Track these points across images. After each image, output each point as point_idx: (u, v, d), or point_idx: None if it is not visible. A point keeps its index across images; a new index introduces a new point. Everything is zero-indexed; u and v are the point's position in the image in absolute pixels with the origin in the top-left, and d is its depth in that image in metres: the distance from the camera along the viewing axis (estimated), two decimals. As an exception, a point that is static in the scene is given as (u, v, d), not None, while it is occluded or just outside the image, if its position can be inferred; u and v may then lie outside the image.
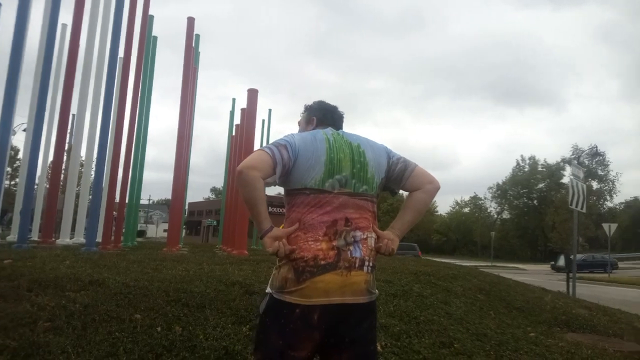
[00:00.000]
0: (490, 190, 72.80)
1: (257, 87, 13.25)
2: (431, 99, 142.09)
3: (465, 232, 69.97)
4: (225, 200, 19.19)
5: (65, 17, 14.82)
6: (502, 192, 71.83)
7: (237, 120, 19.46)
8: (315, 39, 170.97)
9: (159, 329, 3.36)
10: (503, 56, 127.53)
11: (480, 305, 6.43)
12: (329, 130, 1.90)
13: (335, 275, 1.65)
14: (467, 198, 76.78)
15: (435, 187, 1.93)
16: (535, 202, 69.46)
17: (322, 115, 2.04)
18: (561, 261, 24.82)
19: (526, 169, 70.40)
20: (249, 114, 13.44)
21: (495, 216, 75.27)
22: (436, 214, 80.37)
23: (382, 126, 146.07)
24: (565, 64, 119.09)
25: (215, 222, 47.82)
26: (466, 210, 76.36)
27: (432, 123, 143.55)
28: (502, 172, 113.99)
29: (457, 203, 77.48)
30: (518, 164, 71.15)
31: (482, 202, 74.75)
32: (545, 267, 39.46)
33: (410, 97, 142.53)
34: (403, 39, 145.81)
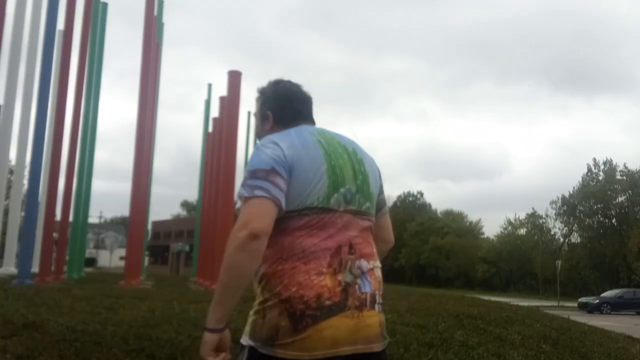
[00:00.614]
0: (554, 206, 72.48)
1: (240, 68, 13.31)
2: (468, 85, 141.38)
3: (521, 260, 69.57)
4: (201, 218, 19.28)
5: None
6: (569, 207, 71.38)
7: (214, 112, 19.65)
8: (314, 7, 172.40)
9: (116, 388, 3.37)
10: (564, 28, 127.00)
11: (545, 359, 6.40)
12: (315, 130, 1.85)
13: (346, 319, 1.61)
14: (522, 216, 76.50)
15: (387, 249, 2.05)
16: (614, 220, 69.11)
17: (281, 108, 1.94)
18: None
19: (600, 177, 70.05)
20: (230, 103, 13.55)
21: (562, 240, 74.95)
22: (482, 237, 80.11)
23: (406, 120, 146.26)
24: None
25: (187, 247, 47.92)
26: (522, 231, 76.01)
27: (471, 116, 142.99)
28: (569, 181, 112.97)
29: (509, 222, 77.20)
30: (590, 170, 70.74)
31: (544, 221, 74.42)
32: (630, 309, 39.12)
33: (441, 82, 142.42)
34: (430, 5, 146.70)
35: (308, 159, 1.68)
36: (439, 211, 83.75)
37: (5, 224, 16.17)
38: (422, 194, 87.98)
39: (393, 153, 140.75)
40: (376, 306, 1.71)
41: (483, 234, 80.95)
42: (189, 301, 7.10)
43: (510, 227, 77.33)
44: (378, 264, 1.81)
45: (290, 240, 1.65)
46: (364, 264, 1.71)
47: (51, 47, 12.01)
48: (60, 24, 13.13)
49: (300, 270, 1.61)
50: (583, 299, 32.14)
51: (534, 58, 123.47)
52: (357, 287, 1.66)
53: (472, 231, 79.96)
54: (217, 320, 1.58)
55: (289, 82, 2.01)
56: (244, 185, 1.63)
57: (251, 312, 1.70)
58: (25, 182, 15.53)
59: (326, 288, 1.60)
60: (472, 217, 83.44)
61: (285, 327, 1.57)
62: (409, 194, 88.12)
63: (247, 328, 1.68)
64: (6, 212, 17.31)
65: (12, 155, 16.72)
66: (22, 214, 16.13)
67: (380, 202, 1.94)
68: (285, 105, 1.93)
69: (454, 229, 75.96)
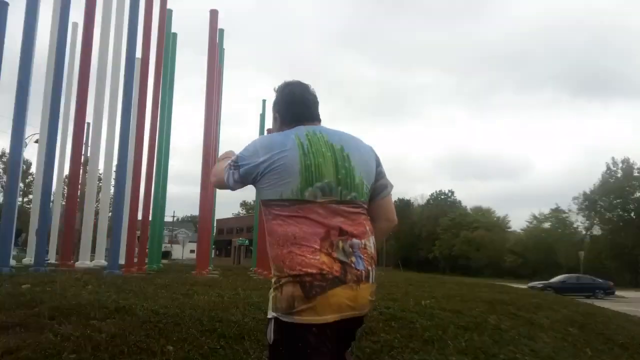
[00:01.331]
0: (576, 201, 69.88)
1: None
2: (492, 93, 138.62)
3: (546, 251, 67.35)
4: (259, 216, 19.44)
5: (76, 14, 15.64)
6: (590, 203, 68.74)
7: (268, 124, 19.85)
8: (351, 30, 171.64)
9: (194, 362, 3.46)
10: (580, 39, 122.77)
11: (572, 341, 6.17)
12: (303, 131, 1.89)
13: (347, 290, 1.73)
14: (546, 211, 74.02)
15: (391, 226, 2.08)
16: (632, 214, 66.16)
17: (285, 111, 2.01)
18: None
19: (619, 175, 67.28)
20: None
21: (584, 232, 72.14)
22: (509, 230, 78.02)
23: (436, 126, 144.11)
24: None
25: (247, 242, 48.56)
26: (546, 225, 73.58)
27: (495, 121, 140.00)
28: (589, 178, 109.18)
29: (534, 217, 74.85)
30: (608, 168, 68.02)
31: (567, 215, 71.85)
32: (651, 295, 37.31)
33: (467, 91, 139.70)
34: (454, 25, 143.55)
35: (283, 161, 1.77)
36: (468, 207, 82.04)
37: (95, 224, 16.77)
38: (452, 192, 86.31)
39: (425, 156, 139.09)
40: (370, 279, 1.82)
41: (510, 227, 78.95)
42: (252, 288, 7.20)
43: (535, 222, 75.20)
44: (370, 241, 1.87)
45: (282, 229, 1.77)
46: (355, 242, 1.79)
47: (131, 72, 12.43)
48: (138, 53, 13.56)
49: (296, 254, 1.72)
50: (531, 284, 30.82)
51: (553, 67, 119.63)
52: (352, 265, 1.76)
53: (499, 225, 78.04)
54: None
55: (296, 84, 2.03)
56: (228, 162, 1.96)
57: (270, 291, 1.82)
58: (112, 187, 16.08)
59: (325, 264, 1.71)
60: (500, 212, 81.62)
61: (299, 296, 1.68)
62: (440, 192, 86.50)
63: (270, 304, 1.80)
64: (96, 213, 18.00)
65: (101, 165, 17.34)
66: (110, 214, 16.75)
67: (379, 187, 1.98)
68: (289, 109, 1.99)
69: (483, 224, 74.33)
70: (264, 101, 23.03)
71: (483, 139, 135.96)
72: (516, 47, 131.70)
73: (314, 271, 1.70)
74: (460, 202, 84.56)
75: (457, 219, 75.08)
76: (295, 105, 1.99)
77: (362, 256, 1.81)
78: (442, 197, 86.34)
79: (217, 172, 2.05)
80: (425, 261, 74.11)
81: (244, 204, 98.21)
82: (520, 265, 68.50)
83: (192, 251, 63.69)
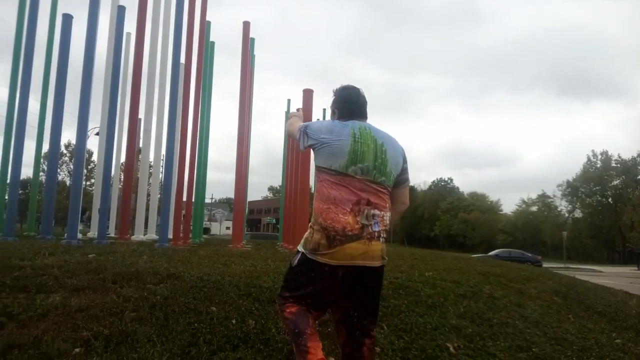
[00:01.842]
0: (560, 188, 68.61)
1: (309, 86, 13.32)
2: (487, 94, 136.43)
3: (533, 231, 66.41)
4: (285, 199, 19.54)
5: (129, 26, 15.74)
6: (572, 189, 67.46)
7: (294, 119, 19.83)
8: (361, 38, 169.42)
9: (233, 321, 3.51)
10: (564, 46, 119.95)
11: (557, 309, 6.11)
12: (357, 125, 2.18)
13: (360, 244, 2.02)
14: (534, 196, 72.75)
15: (404, 208, 2.40)
16: (610, 200, 64.69)
17: (342, 108, 2.29)
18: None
19: (598, 165, 65.77)
20: (305, 114, 13.62)
21: (567, 215, 70.81)
22: (500, 212, 76.98)
23: (436, 123, 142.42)
24: (635, 52, 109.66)
25: (274, 220, 48.94)
26: (534, 208, 72.37)
27: (490, 119, 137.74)
28: (571, 168, 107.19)
29: (523, 202, 73.65)
30: (589, 159, 66.62)
31: (552, 200, 70.56)
32: (626, 270, 36.57)
33: (464, 92, 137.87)
34: (451, 32, 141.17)
35: (338, 143, 2.09)
36: (465, 193, 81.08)
37: (147, 203, 17.03)
38: (451, 180, 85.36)
39: (426, 148, 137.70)
40: (381, 239, 2.09)
41: (502, 210, 77.99)
42: (279, 260, 7.27)
43: (524, 205, 74.17)
44: (387, 214, 2.16)
45: (326, 191, 2.09)
46: (377, 212, 2.08)
47: (176, 75, 12.50)
48: (182, 59, 13.61)
49: (332, 211, 2.04)
50: (474, 256, 30.43)
51: (540, 71, 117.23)
52: (370, 227, 2.05)
53: (492, 208, 77.14)
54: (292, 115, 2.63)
55: (351, 88, 2.34)
56: (305, 124, 2.30)
57: (306, 232, 2.17)
58: (161, 173, 16.28)
59: (348, 224, 2.02)
60: (493, 197, 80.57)
61: (323, 244, 2.03)
62: (441, 180, 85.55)
63: (302, 241, 2.16)
64: (148, 195, 18.28)
65: (151, 154, 17.57)
66: (159, 196, 17.00)
67: (402, 179, 2.28)
68: (346, 106, 2.28)
69: (478, 207, 73.52)
70: (288, 100, 22.96)
71: (478, 134, 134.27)
72: (508, 52, 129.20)
73: (339, 227, 2.01)
74: (458, 188, 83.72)
75: (455, 203, 74.40)
76: (351, 104, 2.28)
77: (379, 223, 2.09)
78: (442, 183, 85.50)
79: (292, 129, 2.40)
80: (427, 239, 73.71)
81: (271, 188, 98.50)
82: (510, 243, 67.65)
83: (227, 228, 64.36)
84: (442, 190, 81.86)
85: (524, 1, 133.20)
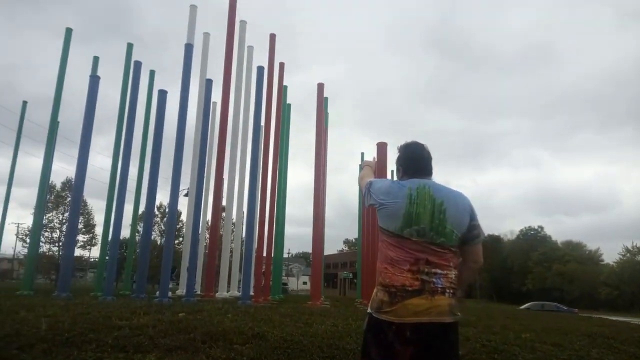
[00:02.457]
0: (672, 233, 60.53)
1: (381, 138, 13.48)
2: (573, 135, 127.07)
3: (643, 284, 58.59)
4: (362, 252, 19.31)
5: (215, 95, 17.24)
6: (689, 234, 59.22)
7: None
8: (435, 87, 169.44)
9: (318, 386, 3.44)
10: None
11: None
12: (416, 184, 2.15)
13: (422, 300, 1.97)
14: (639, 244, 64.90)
15: (477, 267, 2.27)
16: None
17: (406, 166, 2.29)
18: None
19: None
20: (379, 166, 13.68)
21: (685, 264, 61.90)
22: (601, 262, 69.30)
23: (520, 167, 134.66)
24: None
25: (350, 275, 48.11)
26: (641, 257, 64.31)
27: (579, 160, 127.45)
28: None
29: (627, 250, 65.91)
30: None
31: (663, 247, 62.34)
32: None
33: (547, 134, 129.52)
34: (528, 74, 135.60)
35: (393, 206, 2.10)
36: (559, 242, 74.36)
37: (230, 261, 17.69)
38: (542, 228, 78.78)
39: (511, 195, 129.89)
40: (446, 293, 2.01)
41: (603, 260, 70.03)
42: (360, 318, 7.06)
43: (628, 254, 66.16)
44: (452, 272, 2.07)
45: (385, 250, 2.10)
46: (438, 271, 2.03)
47: (257, 137, 13.32)
48: (262, 121, 14.54)
49: (389, 270, 2.04)
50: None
51: (629, 104, 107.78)
52: (432, 283, 1.99)
53: (592, 258, 69.56)
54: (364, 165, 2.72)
55: (415, 144, 2.34)
56: (372, 181, 2.31)
57: (373, 293, 2.15)
58: (243, 230, 16.95)
59: (408, 280, 1.99)
60: (591, 246, 72.88)
61: (386, 301, 2.01)
62: (529, 228, 79.46)
63: (370, 302, 2.12)
64: (231, 252, 19.04)
65: (234, 212, 18.43)
66: (240, 252, 17.56)
67: (472, 236, 2.17)
68: (410, 164, 2.28)
69: (575, 257, 66.79)
70: (362, 154, 23.30)
71: (568, 177, 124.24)
72: (591, 88, 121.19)
73: (398, 285, 2.00)
74: (550, 236, 77.02)
75: (548, 253, 68.41)
76: (415, 162, 2.28)
77: (442, 278, 2.02)
78: (532, 232, 79.32)
79: (362, 183, 2.46)
80: (518, 293, 67.80)
81: (346, 242, 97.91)
82: (616, 297, 60.27)
83: (304, 283, 64.39)
84: (532, 239, 75.83)
85: (601, 36, 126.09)
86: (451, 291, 2.04)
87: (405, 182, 2.19)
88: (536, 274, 66.35)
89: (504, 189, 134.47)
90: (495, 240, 76.22)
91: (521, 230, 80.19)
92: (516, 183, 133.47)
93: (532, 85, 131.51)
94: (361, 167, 2.76)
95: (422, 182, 2.18)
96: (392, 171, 22.84)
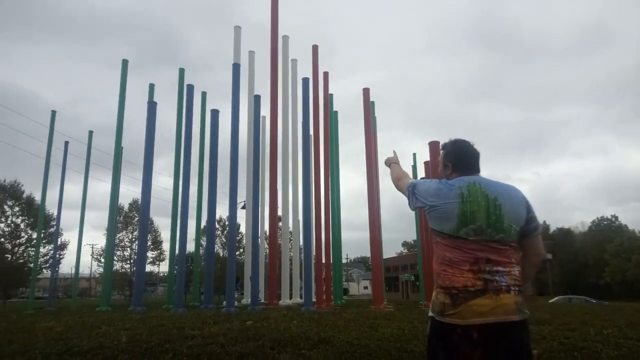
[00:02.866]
0: None
1: (432, 138, 13.19)
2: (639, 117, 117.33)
3: None
4: (422, 254, 18.92)
5: (264, 109, 17.69)
6: None
7: (420, 173, 19.59)
8: (484, 81, 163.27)
9: (389, 389, 3.42)
10: None
11: None
12: (466, 182, 2.08)
13: (486, 299, 1.90)
14: None
15: (539, 259, 2.21)
16: None
17: (456, 161, 2.20)
18: None
19: None
20: (433, 166, 13.40)
21: None
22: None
23: (586, 155, 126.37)
24: None
25: (412, 277, 47.28)
26: None
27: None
28: None
29: None
30: None
31: None
32: None
33: (612, 119, 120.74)
34: (587, 57, 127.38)
35: (445, 207, 2.03)
36: (637, 231, 68.75)
37: (291, 269, 17.97)
38: (616, 217, 73.24)
39: (577, 185, 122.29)
40: (511, 291, 1.94)
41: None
42: (426, 321, 6.92)
43: None
44: (515, 269, 2.00)
45: (441, 252, 2.03)
46: (500, 269, 1.96)
47: (307, 146, 13.50)
48: (311, 131, 14.73)
49: (448, 272, 1.97)
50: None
51: None
52: (495, 281, 1.93)
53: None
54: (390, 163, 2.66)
55: (463, 141, 2.27)
56: (416, 181, 2.27)
57: (432, 295, 2.08)
58: (300, 239, 17.19)
59: (469, 281, 1.92)
60: (673, 233, 66.68)
61: (448, 303, 1.94)
62: (602, 219, 74.16)
63: (431, 305, 2.06)
64: (290, 260, 19.35)
65: (290, 221, 18.74)
66: (299, 260, 17.78)
67: (530, 229, 2.10)
68: (460, 159, 2.20)
69: (657, 246, 61.39)
70: (414, 154, 22.92)
71: (639, 162, 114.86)
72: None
73: (460, 286, 1.94)
74: (625, 225, 71.52)
75: (625, 244, 63.41)
76: (465, 157, 2.21)
77: (505, 276, 1.96)
78: (605, 223, 74.04)
79: (400, 184, 2.40)
80: (595, 288, 63.37)
81: (405, 244, 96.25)
82: None
83: (365, 287, 63.89)
84: (607, 230, 70.60)
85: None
86: (516, 288, 1.97)
87: (453, 182, 2.12)
88: (614, 266, 61.72)
89: (569, 179, 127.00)
90: (565, 233, 71.93)
91: (593, 222, 75.06)
92: (582, 173, 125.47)
93: (591, 69, 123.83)
94: (387, 164, 2.69)
95: (471, 179, 2.11)
96: (425, 179, 22.23)
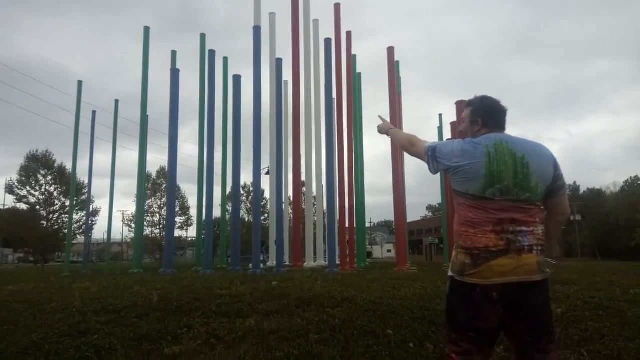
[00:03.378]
0: None
1: (460, 98, 12.83)
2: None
3: None
4: (447, 216, 18.85)
5: (286, 74, 17.48)
6: None
7: (446, 135, 19.24)
8: (514, 38, 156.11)
9: (411, 344, 3.49)
10: None
11: None
12: (492, 140, 2.02)
13: (508, 259, 1.89)
14: None
15: (565, 218, 2.17)
16: None
17: (487, 117, 2.13)
18: None
19: None
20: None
21: None
22: None
23: (621, 113, 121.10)
24: None
25: (436, 240, 47.41)
26: None
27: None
28: None
29: None
30: None
31: None
32: None
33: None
34: (624, 9, 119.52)
35: (471, 167, 1.97)
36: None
37: (315, 233, 18.22)
38: (650, 177, 70.80)
39: (611, 144, 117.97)
40: (534, 251, 1.93)
41: None
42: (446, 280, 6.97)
43: None
44: (539, 228, 1.98)
45: (464, 213, 2.00)
46: (524, 228, 1.94)
47: (330, 110, 13.38)
48: (334, 94, 14.54)
49: (470, 232, 1.95)
50: None
51: None
52: (517, 241, 1.91)
53: None
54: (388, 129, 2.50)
55: (491, 98, 2.20)
56: (435, 143, 2.16)
57: (452, 256, 2.06)
58: (324, 203, 17.32)
59: (491, 241, 1.90)
60: None
61: (469, 263, 1.93)
62: (636, 178, 71.80)
63: (450, 264, 2.04)
64: (314, 224, 19.62)
65: (314, 186, 18.85)
66: (324, 224, 18.01)
67: (557, 187, 2.07)
68: (491, 115, 2.13)
69: (693, 207, 59.21)
70: (440, 115, 22.47)
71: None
72: None
73: (481, 246, 1.92)
74: (660, 186, 69.06)
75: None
76: (496, 113, 2.15)
77: (528, 236, 1.94)
78: (638, 183, 71.69)
79: (415, 150, 2.27)
80: (626, 250, 62.10)
81: (430, 207, 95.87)
82: None
83: (388, 251, 64.42)
84: (639, 190, 68.61)
85: None
86: (539, 248, 1.95)
87: (478, 140, 2.05)
88: (643, 231, 60.09)
89: (603, 138, 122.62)
90: (596, 194, 70.12)
91: (626, 182, 72.78)
92: (617, 131, 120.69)
93: (630, 21, 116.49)
94: (384, 132, 2.54)
95: (497, 137, 2.04)
96: (447, 140, 21.78)
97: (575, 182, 64.67)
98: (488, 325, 1.94)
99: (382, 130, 2.58)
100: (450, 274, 2.04)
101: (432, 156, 2.12)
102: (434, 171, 2.14)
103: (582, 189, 68.34)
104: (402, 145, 2.38)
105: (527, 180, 1.96)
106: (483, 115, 2.14)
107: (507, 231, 1.91)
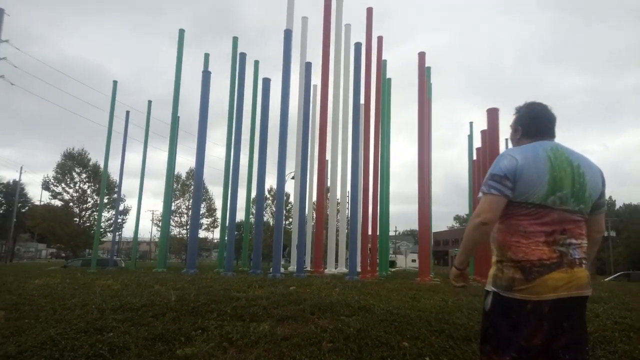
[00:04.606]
0: None
1: (491, 105, 12.52)
2: None
3: None
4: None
5: (315, 78, 17.54)
6: None
7: (476, 143, 18.84)
8: (552, 45, 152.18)
9: (427, 359, 3.37)
10: None
11: None
12: (549, 147, 1.93)
13: (562, 273, 1.81)
14: None
15: (600, 237, 2.10)
16: None
17: (528, 125, 2.04)
18: None
19: None
20: (490, 134, 12.81)
21: None
22: None
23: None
24: None
25: (462, 252, 46.51)
26: None
27: None
28: None
29: None
30: None
31: None
32: None
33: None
34: None
35: (535, 170, 1.84)
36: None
37: (337, 239, 18.12)
38: (691, 194, 67.46)
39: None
40: (584, 265, 1.88)
41: None
42: (473, 295, 6.76)
43: None
44: (584, 242, 1.92)
45: (515, 222, 1.87)
46: (573, 241, 1.87)
47: (357, 116, 13.30)
48: (362, 99, 14.45)
49: (522, 243, 1.83)
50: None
51: None
52: (569, 254, 1.84)
53: None
54: (460, 262, 2.02)
55: (539, 104, 2.07)
56: (485, 183, 1.88)
57: (491, 270, 1.94)
58: (347, 209, 17.22)
59: (545, 254, 1.81)
60: None
61: (519, 278, 1.81)
62: (676, 195, 68.59)
63: (490, 280, 1.93)
64: (337, 230, 19.50)
65: (338, 192, 18.77)
66: (347, 230, 17.90)
67: (599, 204, 1.99)
68: (533, 123, 2.03)
69: None
70: (470, 123, 22.01)
71: None
72: None
73: (534, 259, 1.81)
74: (699, 203, 65.59)
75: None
76: (540, 121, 2.04)
77: (577, 249, 1.88)
78: (678, 199, 68.30)
79: (491, 215, 1.87)
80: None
81: (457, 218, 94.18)
82: None
83: (413, 260, 63.49)
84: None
85: None
86: (586, 262, 1.90)
87: (535, 145, 1.92)
88: (689, 248, 57.19)
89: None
90: (632, 210, 67.34)
91: (665, 198, 69.57)
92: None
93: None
94: (458, 269, 2.06)
95: (551, 143, 1.95)
96: (506, 139, 21.23)
97: (610, 197, 62.27)
98: (533, 344, 1.83)
99: (454, 273, 2.09)
100: (492, 289, 1.91)
101: (495, 181, 1.85)
102: (509, 195, 1.85)
103: (618, 204, 65.66)
104: (471, 239, 1.92)
105: (582, 190, 1.89)
106: (524, 123, 2.06)
107: (559, 243, 1.84)
